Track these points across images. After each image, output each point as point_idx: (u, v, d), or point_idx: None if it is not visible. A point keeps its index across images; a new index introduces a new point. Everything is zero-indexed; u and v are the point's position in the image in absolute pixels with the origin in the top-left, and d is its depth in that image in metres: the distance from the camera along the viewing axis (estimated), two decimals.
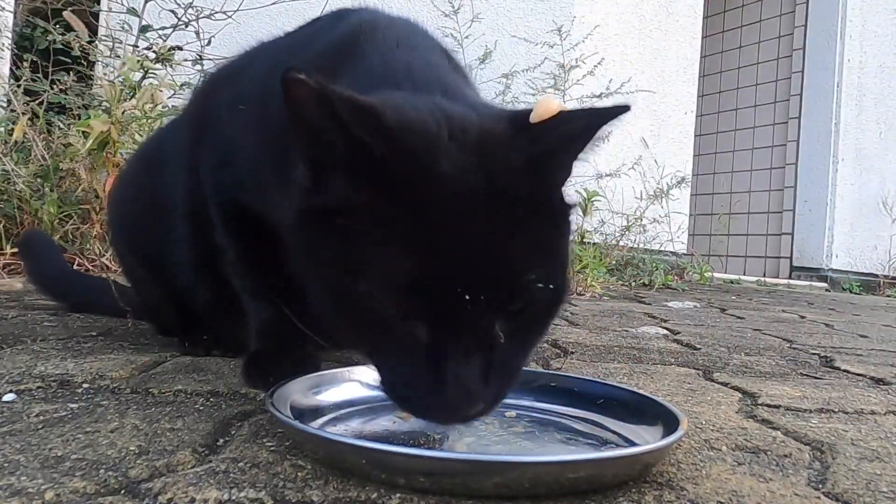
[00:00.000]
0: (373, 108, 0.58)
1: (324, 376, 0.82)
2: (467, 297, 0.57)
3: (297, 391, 0.75)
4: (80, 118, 2.40)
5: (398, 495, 0.54)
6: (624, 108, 0.65)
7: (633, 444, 0.70)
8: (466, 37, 3.18)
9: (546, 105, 0.63)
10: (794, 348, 1.61)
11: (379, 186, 0.59)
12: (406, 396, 0.62)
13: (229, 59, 1.07)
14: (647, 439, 0.69)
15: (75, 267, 2.09)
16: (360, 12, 0.94)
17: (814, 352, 1.56)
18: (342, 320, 0.64)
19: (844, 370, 1.32)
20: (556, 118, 0.63)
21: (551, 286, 0.61)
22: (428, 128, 0.60)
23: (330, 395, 0.79)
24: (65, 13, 2.60)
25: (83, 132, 2.13)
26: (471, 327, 0.58)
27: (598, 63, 3.37)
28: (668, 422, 0.69)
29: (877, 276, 5.30)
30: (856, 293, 4.96)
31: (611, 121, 0.64)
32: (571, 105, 3.39)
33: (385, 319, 0.59)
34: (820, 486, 0.64)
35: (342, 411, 0.78)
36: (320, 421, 0.74)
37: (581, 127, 0.64)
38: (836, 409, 0.96)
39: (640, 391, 0.82)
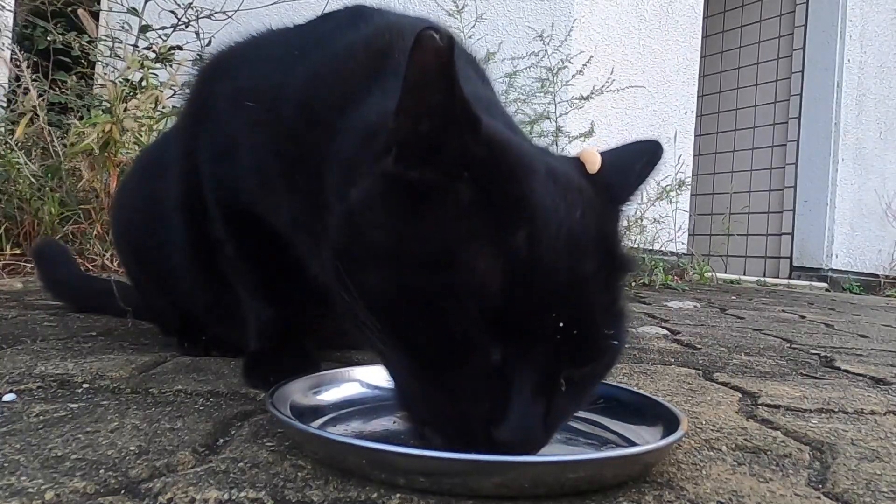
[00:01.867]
0: (478, 117, 0.56)
1: (324, 376, 0.82)
2: (552, 332, 0.53)
3: (298, 391, 0.75)
4: (81, 118, 2.40)
5: (398, 495, 0.54)
6: (656, 145, 0.70)
7: (633, 444, 0.70)
8: (470, 36, 3.19)
9: (592, 157, 0.64)
10: (794, 348, 1.61)
11: (476, 187, 0.55)
12: (447, 420, 0.56)
13: (232, 44, 1.00)
14: (647, 439, 0.69)
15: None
16: (384, 14, 0.88)
17: (814, 352, 1.56)
18: (392, 312, 0.56)
19: (844, 370, 1.32)
20: (607, 169, 0.64)
21: (621, 347, 0.60)
22: (527, 155, 0.59)
23: (330, 395, 0.79)
24: (79, 11, 2.61)
25: (84, 132, 2.13)
26: (545, 367, 0.54)
27: (587, 62, 3.38)
28: (669, 422, 0.68)
29: (877, 276, 5.30)
30: (856, 293, 4.97)
31: (655, 167, 0.68)
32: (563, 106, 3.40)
33: (457, 321, 0.53)
34: (820, 486, 0.64)
35: (342, 411, 0.77)
36: (320, 421, 0.74)
37: (636, 180, 0.67)
38: (836, 409, 0.96)
39: (641, 391, 0.82)
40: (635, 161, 0.68)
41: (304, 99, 0.81)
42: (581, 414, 0.78)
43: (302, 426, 0.62)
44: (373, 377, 0.82)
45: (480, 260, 0.53)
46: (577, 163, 0.65)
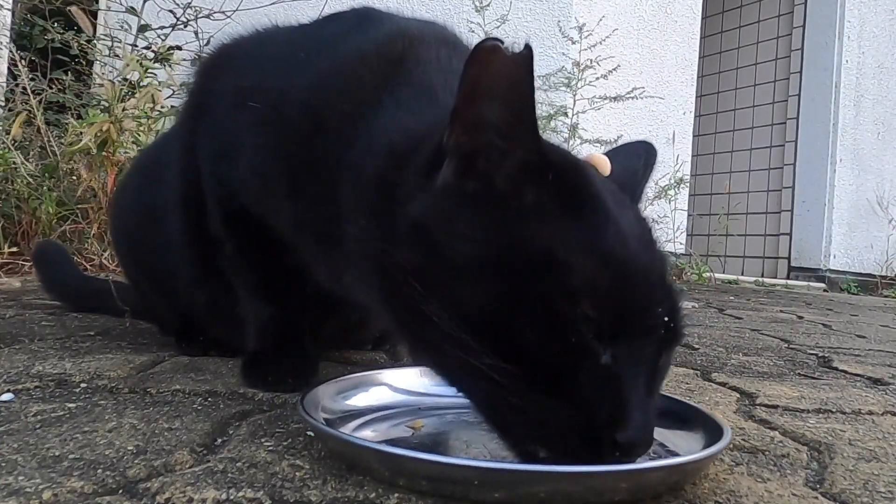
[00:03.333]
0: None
1: (350, 380, 0.80)
2: (658, 323, 0.53)
3: (327, 395, 0.74)
4: (80, 117, 2.40)
5: (396, 495, 0.54)
6: (649, 146, 0.73)
7: (669, 450, 0.68)
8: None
9: (603, 161, 0.66)
10: (792, 348, 1.62)
11: (557, 194, 0.56)
12: (563, 431, 0.53)
13: (237, 38, 0.98)
14: (678, 444, 0.67)
15: None
16: (393, 19, 0.87)
17: (811, 352, 1.56)
18: (498, 328, 0.54)
19: (842, 370, 1.32)
20: (616, 171, 0.67)
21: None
22: (582, 164, 0.62)
23: (360, 400, 0.78)
24: (72, 9, 2.60)
25: (82, 132, 2.13)
26: (652, 358, 0.54)
27: (614, 69, 3.39)
28: (698, 425, 0.67)
29: (874, 276, 5.31)
30: (853, 293, 4.97)
31: (653, 168, 0.72)
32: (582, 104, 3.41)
33: (566, 326, 0.51)
34: (818, 486, 0.64)
35: (374, 415, 0.76)
36: (352, 425, 0.72)
37: (641, 180, 0.71)
38: (834, 410, 0.96)
39: (679, 398, 0.79)
40: (635, 163, 0.69)
41: (312, 103, 0.80)
42: None
43: (332, 431, 0.61)
44: (401, 380, 0.81)
45: (579, 259, 0.53)
46: (590, 166, 0.66)
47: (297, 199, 0.82)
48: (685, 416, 0.72)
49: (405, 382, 0.81)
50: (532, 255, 0.54)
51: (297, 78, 0.83)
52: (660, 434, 0.68)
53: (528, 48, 0.52)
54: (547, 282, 0.52)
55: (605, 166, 0.65)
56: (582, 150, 2.81)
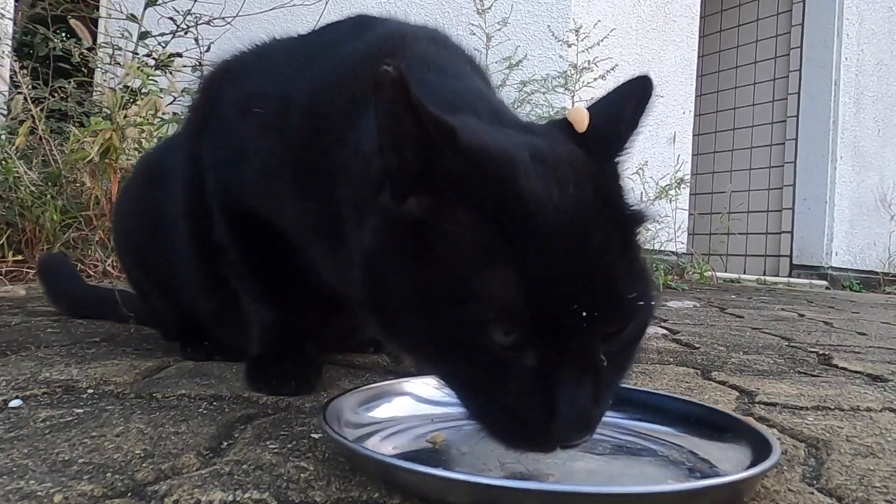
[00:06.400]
0: (452, 128, 0.56)
1: (372, 390, 0.79)
2: (577, 319, 0.54)
3: (348, 407, 0.73)
4: (81, 125, 2.42)
5: (399, 495, 0.55)
6: (645, 81, 0.67)
7: (712, 465, 0.66)
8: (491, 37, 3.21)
9: (580, 115, 0.64)
10: (793, 346, 1.62)
11: (468, 205, 0.56)
12: (509, 429, 0.57)
13: (238, 53, 1.01)
14: (717, 457, 0.67)
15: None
16: (386, 23, 0.90)
17: (812, 350, 1.57)
18: (432, 348, 0.58)
19: (842, 368, 1.33)
20: (596, 124, 0.64)
21: (650, 303, 0.60)
22: (508, 150, 0.59)
23: (381, 412, 0.77)
24: (70, 20, 2.62)
25: (85, 141, 2.14)
26: (580, 350, 0.55)
27: (612, 69, 3.39)
28: (742, 438, 0.66)
29: (876, 273, 5.31)
30: (855, 291, 4.97)
31: (646, 107, 0.67)
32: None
33: (488, 347, 0.55)
34: (814, 481, 0.65)
35: (396, 427, 0.75)
36: (376, 438, 0.71)
37: (627, 128, 0.65)
38: (833, 407, 0.97)
39: (721, 408, 0.79)
40: (624, 106, 0.66)
41: (313, 105, 0.82)
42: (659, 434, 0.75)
43: (355, 446, 0.60)
44: (424, 391, 0.80)
45: (495, 281, 0.54)
46: (565, 125, 0.65)
47: (302, 199, 0.85)
48: (729, 427, 0.71)
49: (428, 392, 0.79)
50: (449, 287, 0.55)
51: (298, 82, 0.86)
52: (701, 448, 0.69)
53: (401, 67, 0.53)
54: (466, 312, 0.54)
55: (582, 122, 0.63)
56: None
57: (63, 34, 2.70)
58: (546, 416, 0.54)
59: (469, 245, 0.55)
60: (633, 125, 0.66)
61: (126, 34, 2.77)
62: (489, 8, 3.25)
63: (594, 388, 0.56)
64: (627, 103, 0.66)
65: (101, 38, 3.03)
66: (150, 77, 2.48)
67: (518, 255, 0.54)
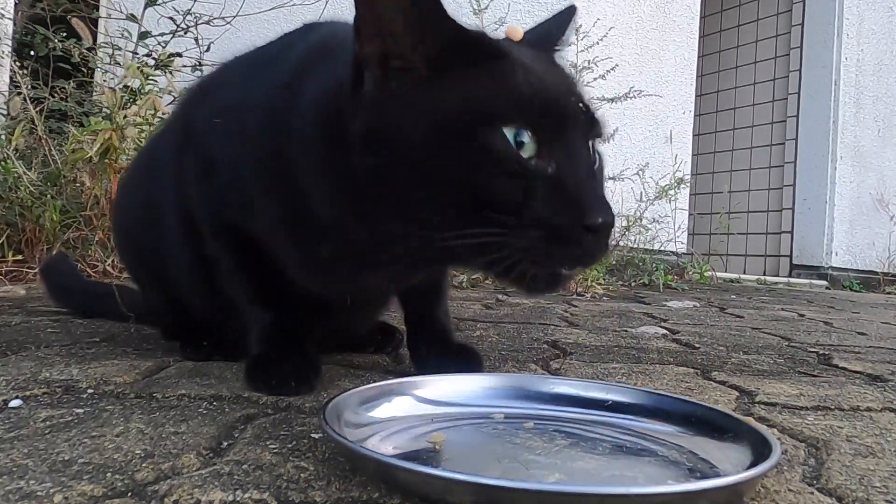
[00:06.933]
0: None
1: (372, 390, 0.79)
2: (574, 111, 0.69)
3: (348, 407, 0.73)
4: (81, 125, 2.42)
5: (399, 495, 0.55)
6: (570, 8, 0.90)
7: (711, 465, 0.66)
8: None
9: (516, 30, 0.81)
10: (793, 346, 1.62)
11: (467, 62, 0.70)
12: (539, 239, 0.66)
13: (209, 73, 1.09)
14: (715, 456, 0.66)
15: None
16: (331, 25, 0.96)
17: (812, 350, 1.57)
18: (452, 184, 0.66)
19: (842, 368, 1.33)
20: (528, 37, 0.82)
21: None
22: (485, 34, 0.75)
23: (381, 412, 0.76)
24: (72, 20, 2.62)
25: (84, 140, 2.14)
26: (584, 154, 0.70)
27: (612, 69, 3.39)
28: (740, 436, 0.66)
29: (877, 273, 5.31)
30: (856, 291, 4.97)
31: (570, 23, 0.88)
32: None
33: (511, 157, 0.65)
34: (814, 481, 0.65)
35: (396, 427, 0.74)
36: (376, 437, 0.70)
37: (556, 35, 0.87)
38: (833, 407, 0.97)
39: (723, 409, 0.78)
40: (550, 28, 0.87)
41: (264, 108, 0.88)
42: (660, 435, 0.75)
43: (356, 446, 0.59)
44: (424, 391, 0.80)
45: (493, 93, 0.68)
46: (505, 39, 0.79)
47: (271, 195, 0.88)
48: (729, 427, 0.70)
49: (428, 392, 0.80)
50: (462, 112, 0.67)
51: (252, 91, 0.92)
52: (701, 448, 0.69)
53: None
54: (479, 122, 0.66)
55: (517, 35, 0.80)
56: None
57: (63, 34, 2.69)
58: (578, 213, 0.65)
59: (476, 80, 0.69)
60: (560, 34, 0.87)
61: (126, 34, 2.77)
62: (485, 8, 3.24)
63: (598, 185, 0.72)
64: (555, 23, 0.88)
65: (101, 38, 3.03)
66: (150, 77, 2.48)
67: (514, 77, 0.69)
